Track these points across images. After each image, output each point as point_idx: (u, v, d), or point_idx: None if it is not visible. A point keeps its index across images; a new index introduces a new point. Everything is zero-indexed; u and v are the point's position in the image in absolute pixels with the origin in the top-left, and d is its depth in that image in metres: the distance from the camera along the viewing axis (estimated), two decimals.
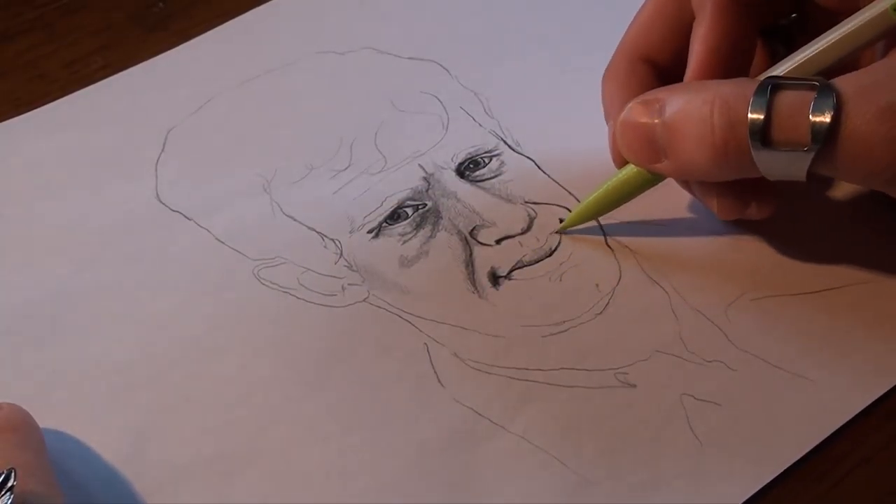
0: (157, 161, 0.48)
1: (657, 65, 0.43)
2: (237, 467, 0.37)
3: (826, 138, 0.35)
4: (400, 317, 0.42)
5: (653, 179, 0.41)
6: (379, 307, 0.42)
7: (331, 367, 0.40)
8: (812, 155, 0.36)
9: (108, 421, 0.39)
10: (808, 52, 0.38)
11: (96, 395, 0.40)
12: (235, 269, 0.44)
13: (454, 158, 0.47)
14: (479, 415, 0.38)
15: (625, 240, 0.43)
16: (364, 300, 0.42)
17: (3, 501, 0.31)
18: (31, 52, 0.55)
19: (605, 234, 0.44)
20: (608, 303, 0.41)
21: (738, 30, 0.41)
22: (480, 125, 0.49)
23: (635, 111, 0.40)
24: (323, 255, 0.44)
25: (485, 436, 0.38)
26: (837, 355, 0.39)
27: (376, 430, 0.38)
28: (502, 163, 0.47)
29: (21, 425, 0.36)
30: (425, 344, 0.41)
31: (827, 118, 0.35)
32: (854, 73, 0.37)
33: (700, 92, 0.38)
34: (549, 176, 0.46)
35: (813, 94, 0.36)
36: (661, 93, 0.40)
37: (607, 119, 0.44)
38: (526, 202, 0.45)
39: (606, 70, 0.44)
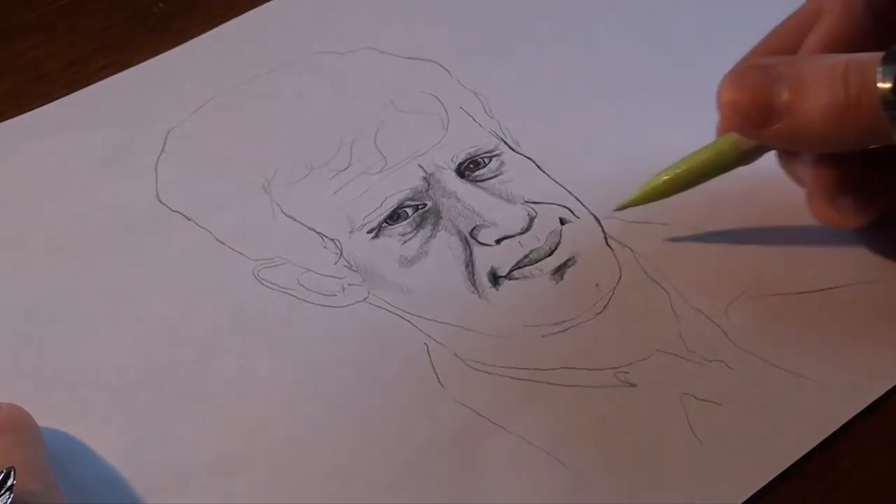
0: (157, 161, 0.48)
1: None
2: (237, 467, 0.37)
3: None
4: (400, 317, 0.42)
5: (741, 158, 0.40)
6: (379, 307, 0.42)
7: (331, 367, 0.40)
8: None
9: (108, 421, 0.39)
10: None
11: (96, 395, 0.40)
12: (235, 270, 0.44)
13: (454, 158, 0.47)
14: (479, 415, 0.38)
15: (625, 239, 0.43)
16: (364, 300, 0.42)
17: (2, 501, 0.31)
18: (31, 52, 0.55)
19: (605, 234, 0.44)
20: (608, 302, 0.41)
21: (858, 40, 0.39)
22: (480, 125, 0.49)
23: (750, 71, 0.38)
24: (323, 255, 0.44)
25: (485, 436, 0.38)
26: (837, 355, 0.39)
27: (376, 430, 0.38)
28: (502, 163, 0.47)
29: (21, 425, 0.36)
30: (425, 344, 0.41)
31: None
32: None
33: (826, 57, 0.37)
34: (549, 176, 0.46)
35: None
36: (774, 59, 0.39)
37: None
38: (526, 202, 0.45)
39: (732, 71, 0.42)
